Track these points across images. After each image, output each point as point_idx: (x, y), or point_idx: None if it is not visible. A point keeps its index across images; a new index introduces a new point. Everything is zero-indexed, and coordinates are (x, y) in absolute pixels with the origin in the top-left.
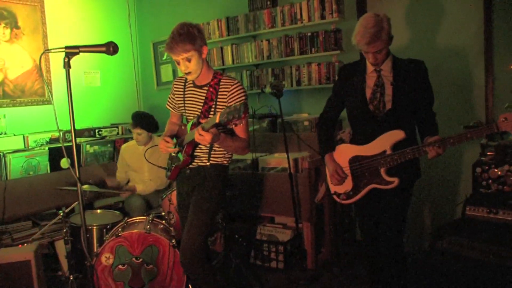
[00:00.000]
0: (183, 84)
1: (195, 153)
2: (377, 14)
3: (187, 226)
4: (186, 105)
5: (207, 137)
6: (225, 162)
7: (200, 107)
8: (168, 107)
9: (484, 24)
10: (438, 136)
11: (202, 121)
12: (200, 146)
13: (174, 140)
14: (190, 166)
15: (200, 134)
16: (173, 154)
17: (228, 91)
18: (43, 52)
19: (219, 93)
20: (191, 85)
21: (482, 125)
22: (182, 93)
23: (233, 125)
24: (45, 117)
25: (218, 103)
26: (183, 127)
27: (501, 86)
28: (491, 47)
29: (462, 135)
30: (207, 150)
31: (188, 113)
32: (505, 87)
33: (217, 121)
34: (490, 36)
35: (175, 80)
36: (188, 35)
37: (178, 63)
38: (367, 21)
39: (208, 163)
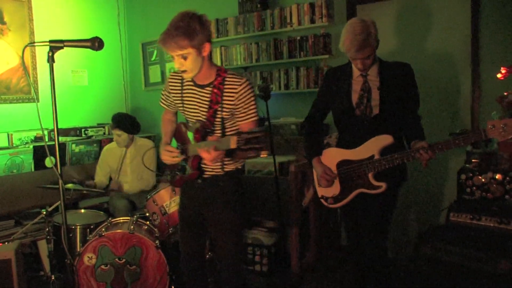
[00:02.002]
0: (180, 80)
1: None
2: (363, 20)
3: (223, 247)
4: (185, 105)
5: (218, 159)
6: (239, 166)
7: (205, 112)
8: (162, 104)
9: (471, 32)
10: (426, 142)
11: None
12: None
13: (173, 144)
14: (203, 175)
15: (209, 156)
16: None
17: (236, 92)
18: (26, 45)
19: (225, 94)
20: (191, 83)
21: (468, 132)
22: (179, 90)
23: (253, 154)
24: (31, 115)
25: (224, 105)
26: (184, 129)
27: (487, 94)
28: (478, 56)
29: (450, 141)
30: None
31: (188, 115)
32: (491, 95)
33: (232, 147)
34: (477, 44)
35: (171, 75)
36: (187, 30)
37: (173, 58)
38: (354, 27)
39: (222, 172)
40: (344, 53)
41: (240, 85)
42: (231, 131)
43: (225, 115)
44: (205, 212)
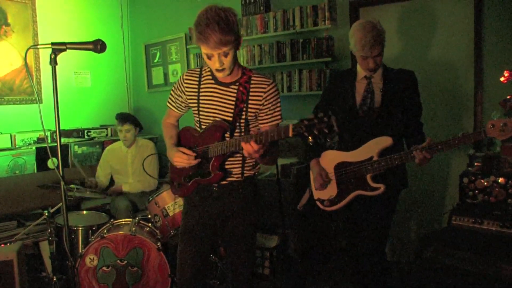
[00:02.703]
0: (197, 79)
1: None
2: (369, 20)
3: (235, 263)
4: (201, 105)
5: (261, 151)
6: (256, 173)
7: (230, 111)
8: (169, 105)
9: (474, 36)
10: (427, 141)
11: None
12: (231, 157)
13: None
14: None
15: (254, 147)
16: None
17: (264, 92)
18: (29, 48)
19: (251, 93)
20: (212, 81)
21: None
22: (196, 89)
23: (311, 142)
24: (34, 116)
25: (250, 105)
26: (195, 134)
27: (490, 97)
28: (481, 59)
29: (451, 141)
30: (240, 162)
31: (204, 115)
32: (494, 99)
33: (290, 135)
34: (480, 48)
35: (187, 73)
36: (228, 24)
37: (209, 58)
38: (363, 26)
39: (241, 178)
40: (357, 52)
41: (269, 85)
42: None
43: (250, 116)
44: (219, 223)
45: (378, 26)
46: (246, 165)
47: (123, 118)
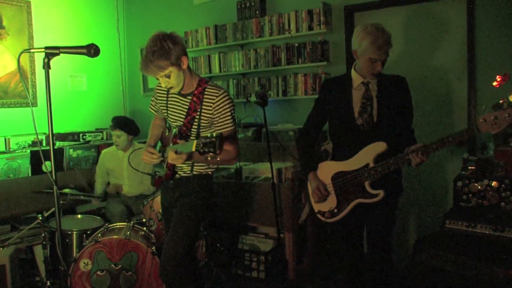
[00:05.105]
0: (166, 89)
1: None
2: (376, 23)
3: (169, 236)
4: (169, 112)
5: (180, 160)
6: (209, 172)
7: (183, 118)
8: (151, 110)
9: (467, 40)
10: (421, 143)
11: (184, 132)
12: None
13: (158, 147)
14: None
15: (173, 156)
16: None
17: (213, 103)
18: (22, 52)
19: (204, 103)
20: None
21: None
22: (165, 98)
23: (209, 158)
24: (28, 120)
25: (202, 114)
26: (167, 133)
27: (484, 101)
28: (474, 64)
29: (444, 139)
30: (190, 161)
31: (171, 120)
32: (487, 102)
33: (193, 150)
34: (473, 52)
35: (158, 84)
36: (162, 51)
37: (157, 79)
38: (376, 28)
39: (191, 174)
40: (365, 56)
41: (218, 96)
42: None
43: (203, 123)
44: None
45: (385, 29)
46: (196, 164)
47: (116, 123)
